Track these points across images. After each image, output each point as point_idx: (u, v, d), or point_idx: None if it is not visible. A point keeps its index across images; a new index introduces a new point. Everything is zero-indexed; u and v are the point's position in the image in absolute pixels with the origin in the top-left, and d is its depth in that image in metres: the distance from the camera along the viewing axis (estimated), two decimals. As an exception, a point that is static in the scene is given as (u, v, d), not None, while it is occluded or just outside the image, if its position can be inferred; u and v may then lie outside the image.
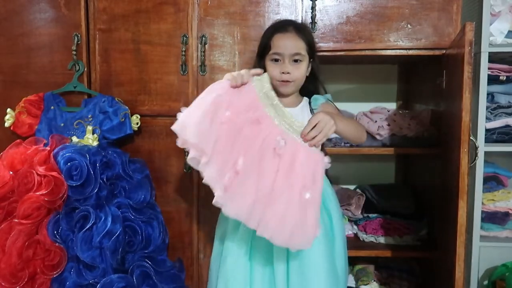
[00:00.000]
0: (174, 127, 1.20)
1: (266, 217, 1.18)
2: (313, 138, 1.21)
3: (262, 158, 1.20)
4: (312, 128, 1.21)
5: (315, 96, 1.46)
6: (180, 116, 1.20)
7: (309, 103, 1.45)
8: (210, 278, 1.45)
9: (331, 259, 1.30)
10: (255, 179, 1.19)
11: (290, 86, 1.40)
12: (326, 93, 1.48)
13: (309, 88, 1.47)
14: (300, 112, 1.43)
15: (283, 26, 1.41)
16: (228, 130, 1.19)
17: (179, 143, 1.20)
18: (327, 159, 1.22)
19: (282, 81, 1.38)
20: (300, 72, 1.39)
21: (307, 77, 1.43)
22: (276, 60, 1.38)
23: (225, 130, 1.19)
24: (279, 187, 1.19)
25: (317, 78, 1.47)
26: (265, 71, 1.40)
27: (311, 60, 1.43)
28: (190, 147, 1.19)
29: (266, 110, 1.24)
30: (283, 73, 1.37)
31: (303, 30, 1.41)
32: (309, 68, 1.43)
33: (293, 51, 1.36)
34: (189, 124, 1.18)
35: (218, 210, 1.51)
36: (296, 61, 1.38)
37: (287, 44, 1.37)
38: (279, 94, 1.43)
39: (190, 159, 1.21)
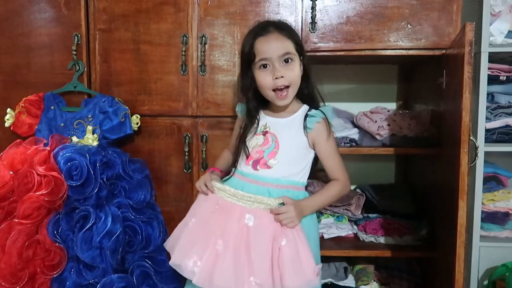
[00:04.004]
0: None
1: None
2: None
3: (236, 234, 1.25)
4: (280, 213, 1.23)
5: (313, 111, 1.34)
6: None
7: (305, 116, 1.34)
8: None
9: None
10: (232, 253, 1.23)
11: (288, 97, 1.29)
12: (322, 98, 1.38)
13: (303, 91, 1.36)
14: (291, 124, 1.34)
15: (263, 28, 1.30)
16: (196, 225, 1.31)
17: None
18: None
19: (278, 89, 1.28)
20: (294, 73, 1.28)
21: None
22: (265, 66, 1.27)
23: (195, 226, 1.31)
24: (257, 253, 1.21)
25: (310, 78, 1.36)
26: (254, 81, 1.32)
27: (301, 58, 1.32)
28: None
29: (228, 199, 1.30)
30: (276, 78, 1.26)
31: (285, 28, 1.31)
32: (301, 68, 1.32)
33: (281, 52, 1.26)
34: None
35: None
36: (287, 61, 1.27)
37: (272, 46, 1.26)
38: (273, 106, 1.35)
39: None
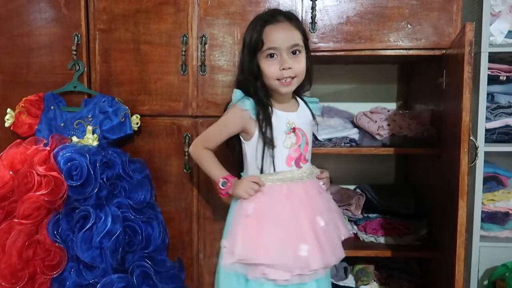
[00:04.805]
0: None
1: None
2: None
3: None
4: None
5: (310, 98, 1.42)
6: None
7: (305, 104, 1.41)
8: None
9: None
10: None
11: (292, 85, 1.29)
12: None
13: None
14: (303, 114, 1.38)
15: (272, 16, 1.28)
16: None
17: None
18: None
19: (283, 79, 1.27)
20: (301, 65, 1.28)
21: None
22: (272, 56, 1.25)
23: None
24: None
25: (311, 73, 1.35)
26: (258, 69, 1.29)
27: (307, 51, 1.32)
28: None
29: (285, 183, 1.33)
30: (283, 69, 1.25)
31: (295, 19, 1.31)
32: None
33: (291, 43, 1.25)
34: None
35: (217, 209, 1.51)
36: (294, 53, 1.26)
37: (282, 36, 1.24)
38: (277, 98, 1.34)
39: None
